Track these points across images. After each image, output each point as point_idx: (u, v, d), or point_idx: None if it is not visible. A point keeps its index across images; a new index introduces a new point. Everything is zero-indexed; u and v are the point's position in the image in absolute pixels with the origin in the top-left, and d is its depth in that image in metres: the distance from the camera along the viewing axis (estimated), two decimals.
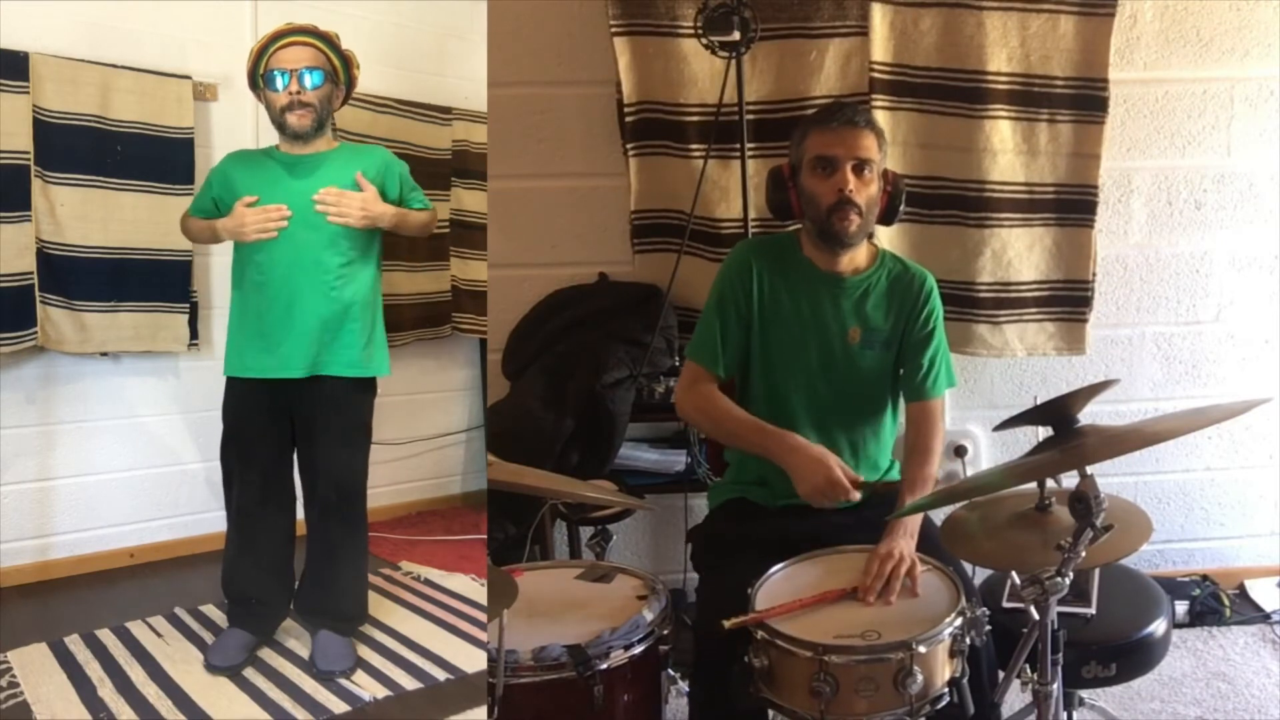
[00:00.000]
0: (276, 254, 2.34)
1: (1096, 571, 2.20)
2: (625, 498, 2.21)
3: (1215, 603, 3.02)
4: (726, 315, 2.15)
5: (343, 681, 2.39)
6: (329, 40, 2.37)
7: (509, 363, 2.95)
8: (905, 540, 1.91)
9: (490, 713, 1.68)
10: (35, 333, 2.83)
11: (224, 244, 2.48)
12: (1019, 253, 2.84)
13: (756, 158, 2.76)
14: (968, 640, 1.72)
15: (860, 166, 2.05)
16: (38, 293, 2.83)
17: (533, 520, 2.47)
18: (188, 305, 3.11)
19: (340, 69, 2.39)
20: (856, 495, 1.97)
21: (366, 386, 2.47)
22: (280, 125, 2.36)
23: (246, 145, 2.98)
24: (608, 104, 2.84)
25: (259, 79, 2.36)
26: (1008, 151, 2.78)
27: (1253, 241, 2.99)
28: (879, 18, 2.72)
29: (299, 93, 2.31)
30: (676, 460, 2.83)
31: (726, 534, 2.16)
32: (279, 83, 2.31)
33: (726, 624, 1.72)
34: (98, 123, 2.90)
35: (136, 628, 2.68)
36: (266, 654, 2.50)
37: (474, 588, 3.02)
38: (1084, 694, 2.27)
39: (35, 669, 2.44)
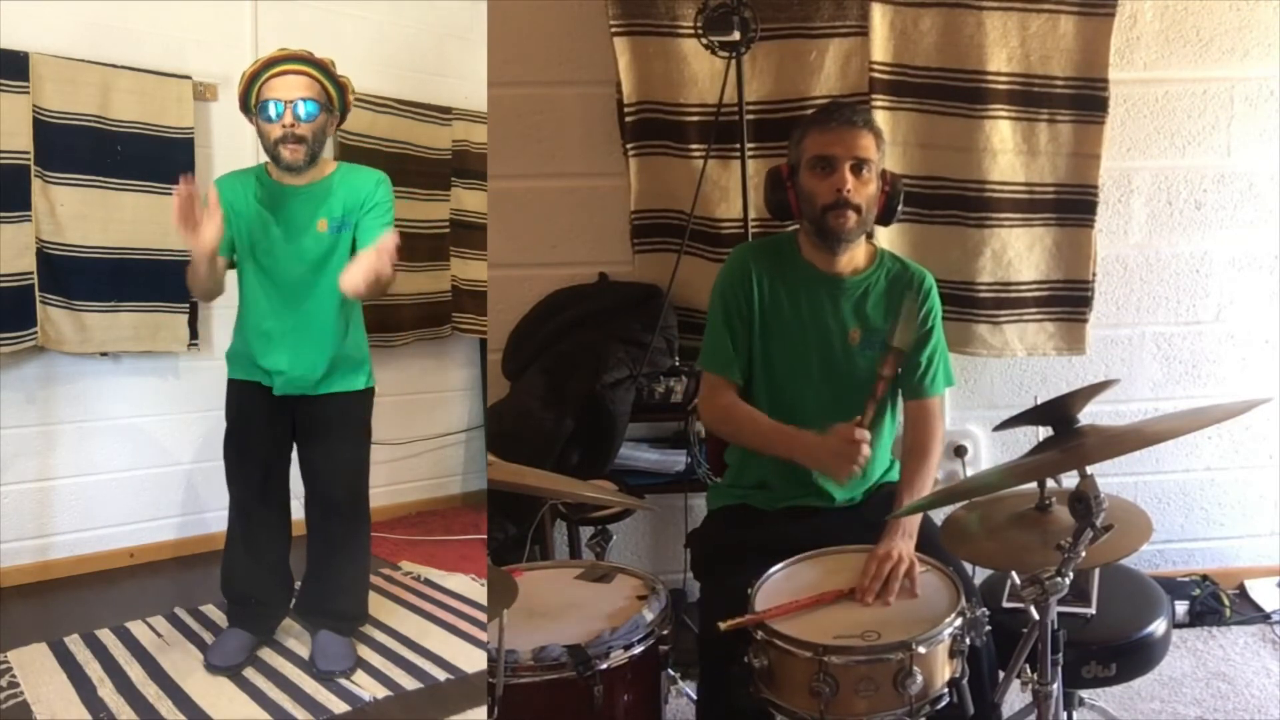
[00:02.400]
0: (274, 284, 2.34)
1: (1096, 571, 2.20)
2: (625, 498, 2.21)
3: (1215, 603, 3.02)
4: (732, 321, 2.15)
5: (343, 681, 2.39)
6: (324, 68, 2.32)
7: (509, 363, 2.95)
8: (904, 540, 1.91)
9: (490, 713, 1.68)
10: (35, 333, 2.83)
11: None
12: (1019, 253, 2.84)
13: (756, 158, 2.76)
14: (968, 640, 1.72)
15: (858, 166, 2.05)
16: (38, 293, 2.83)
17: (533, 520, 2.47)
18: (188, 305, 3.11)
19: (335, 97, 2.35)
20: (866, 452, 1.96)
21: (367, 390, 2.47)
22: (274, 157, 2.31)
23: (246, 145, 2.99)
24: (608, 104, 2.84)
25: (251, 102, 2.30)
26: (1008, 151, 2.78)
27: (1253, 241, 2.99)
28: (879, 18, 2.72)
29: (293, 125, 2.26)
30: (676, 460, 2.82)
31: (726, 540, 2.16)
32: (272, 113, 2.26)
33: (722, 626, 1.72)
34: (98, 123, 2.90)
35: (136, 628, 2.68)
36: (266, 654, 2.50)
37: (474, 588, 3.02)
38: (1084, 694, 2.27)
39: (35, 669, 2.44)
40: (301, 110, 2.27)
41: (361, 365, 2.45)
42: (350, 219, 2.35)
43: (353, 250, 2.36)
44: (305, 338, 2.35)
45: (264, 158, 2.38)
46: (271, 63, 2.29)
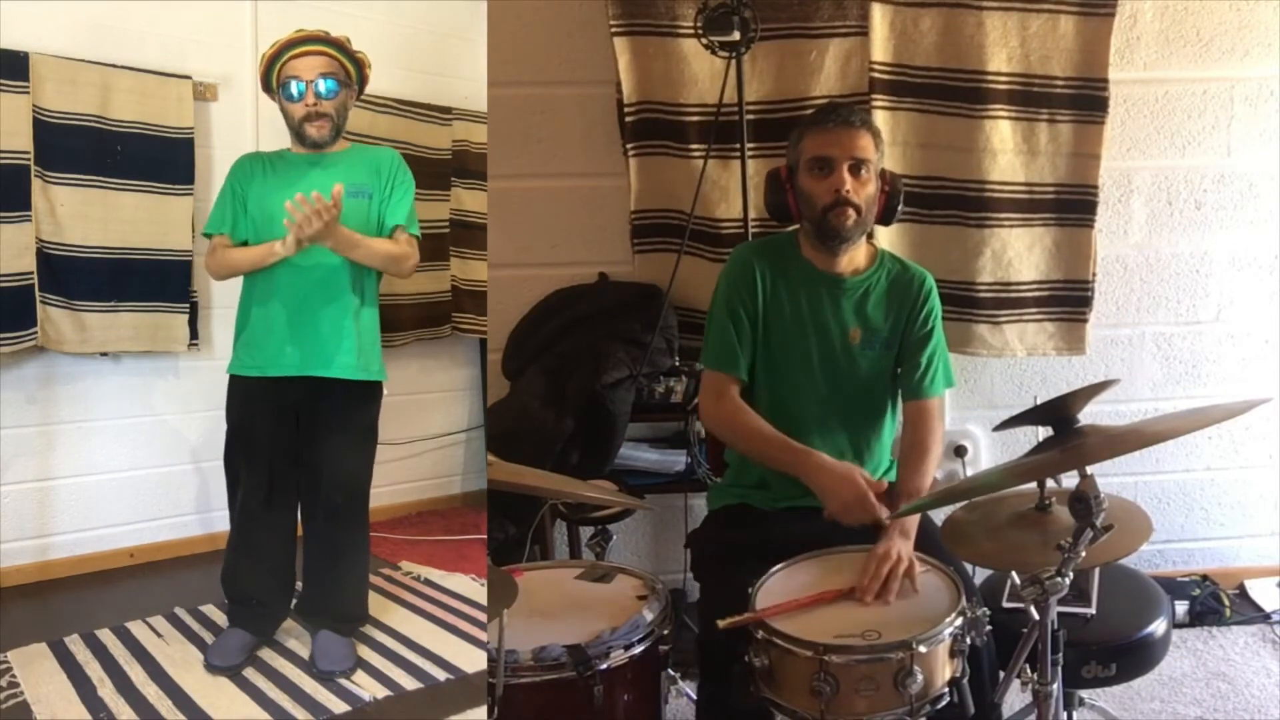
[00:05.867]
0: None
1: (1096, 571, 2.20)
2: (625, 498, 2.21)
3: (1215, 603, 3.02)
4: (737, 318, 2.14)
5: (343, 681, 2.39)
6: (341, 46, 2.39)
7: (509, 363, 2.95)
8: (903, 540, 1.91)
9: (490, 713, 1.68)
10: (35, 333, 2.83)
11: None
12: (1019, 253, 2.84)
13: (756, 158, 2.76)
14: (968, 640, 1.72)
15: (857, 166, 2.05)
16: (38, 293, 2.82)
17: (533, 520, 2.47)
18: (188, 305, 3.11)
19: (353, 72, 2.42)
20: (885, 514, 1.94)
21: (372, 389, 2.47)
22: (299, 135, 2.38)
23: (246, 145, 3.00)
24: (608, 104, 2.84)
25: (273, 82, 2.38)
26: (1008, 151, 2.78)
27: (1253, 241, 2.99)
28: (879, 18, 2.72)
29: (316, 104, 2.34)
30: (676, 460, 2.83)
31: (726, 540, 2.16)
32: (294, 92, 2.34)
33: (721, 624, 1.72)
34: (98, 123, 2.90)
35: (136, 628, 2.68)
36: (266, 654, 2.50)
37: (474, 588, 3.02)
38: (1084, 694, 2.27)
39: (35, 669, 2.43)
40: (322, 87, 2.35)
41: (376, 358, 2.45)
42: (368, 188, 2.39)
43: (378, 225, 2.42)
44: (322, 309, 2.36)
45: (277, 145, 2.44)
46: (290, 44, 2.35)
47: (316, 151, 2.41)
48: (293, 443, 2.44)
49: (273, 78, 2.38)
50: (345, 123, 2.43)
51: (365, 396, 2.45)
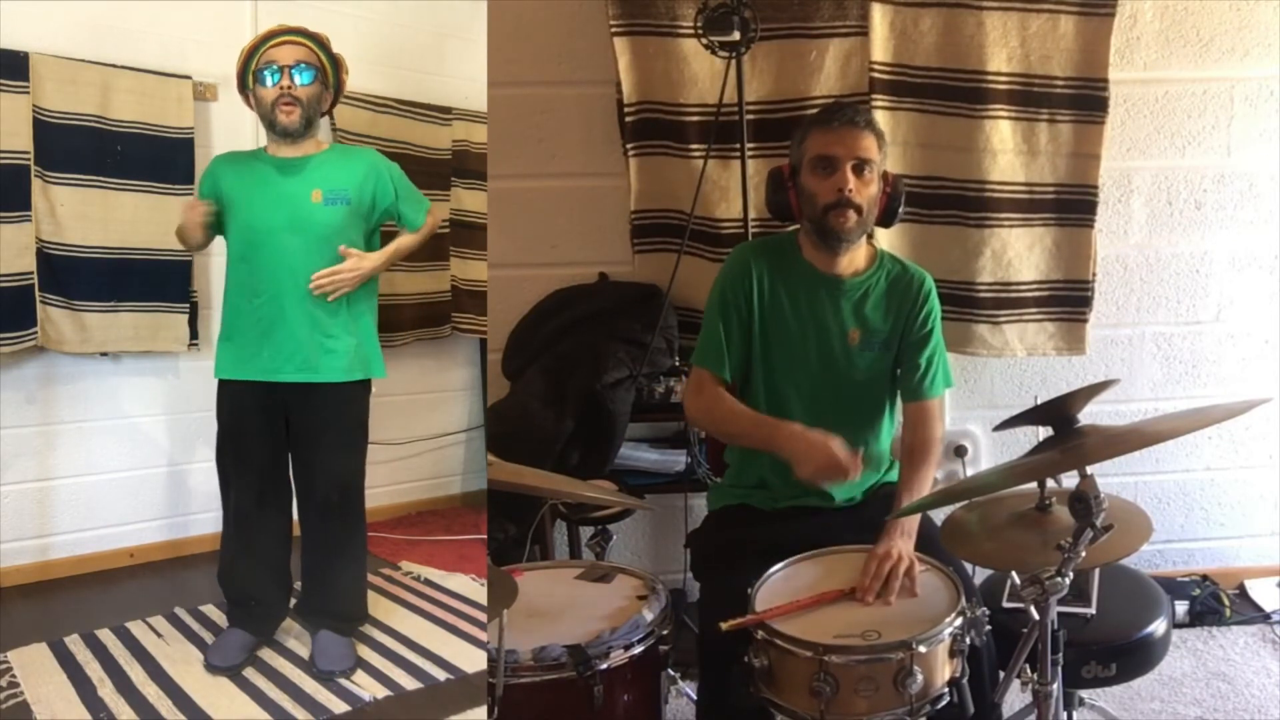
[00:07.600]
0: (267, 258, 2.34)
1: (1096, 571, 2.20)
2: (625, 498, 2.21)
3: (1215, 603, 3.02)
4: (729, 319, 2.14)
5: (343, 681, 2.39)
6: (320, 41, 2.37)
7: (509, 363, 2.95)
8: (903, 540, 1.91)
9: (490, 713, 1.68)
10: (35, 333, 2.83)
11: (223, 245, 2.48)
12: (1019, 253, 2.85)
13: (756, 158, 2.76)
14: (968, 640, 1.72)
15: (860, 167, 2.05)
16: (38, 293, 2.83)
17: (533, 520, 2.47)
18: (188, 305, 3.11)
19: (330, 70, 2.39)
20: (857, 474, 1.92)
21: (363, 386, 2.47)
22: (270, 122, 2.35)
23: (246, 146, 2.99)
24: (608, 104, 2.84)
25: (249, 77, 2.35)
26: (1008, 151, 2.78)
27: (1253, 241, 2.99)
28: (879, 18, 2.72)
29: (289, 88, 2.30)
30: (676, 460, 2.83)
31: (726, 540, 2.16)
32: (269, 79, 2.31)
33: (724, 626, 1.72)
34: (98, 123, 2.90)
35: (136, 628, 2.69)
36: (266, 654, 2.50)
37: (474, 588, 3.02)
38: (1084, 694, 2.27)
39: (35, 669, 2.44)
40: (298, 76, 2.31)
41: (368, 357, 2.45)
42: (346, 194, 2.36)
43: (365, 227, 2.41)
44: (303, 314, 2.35)
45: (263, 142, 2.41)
46: (270, 35, 2.33)
47: (290, 148, 2.36)
48: (284, 441, 2.44)
49: (249, 72, 2.34)
50: (316, 119, 2.39)
51: (356, 392, 2.45)
